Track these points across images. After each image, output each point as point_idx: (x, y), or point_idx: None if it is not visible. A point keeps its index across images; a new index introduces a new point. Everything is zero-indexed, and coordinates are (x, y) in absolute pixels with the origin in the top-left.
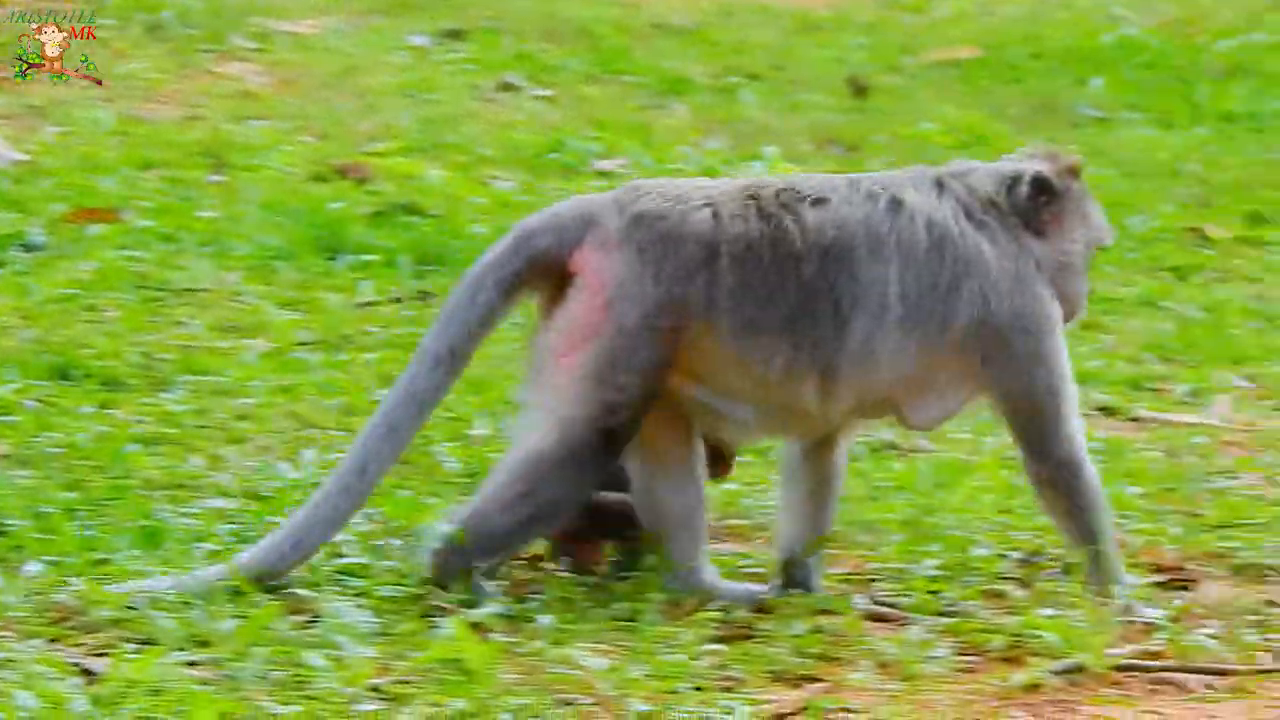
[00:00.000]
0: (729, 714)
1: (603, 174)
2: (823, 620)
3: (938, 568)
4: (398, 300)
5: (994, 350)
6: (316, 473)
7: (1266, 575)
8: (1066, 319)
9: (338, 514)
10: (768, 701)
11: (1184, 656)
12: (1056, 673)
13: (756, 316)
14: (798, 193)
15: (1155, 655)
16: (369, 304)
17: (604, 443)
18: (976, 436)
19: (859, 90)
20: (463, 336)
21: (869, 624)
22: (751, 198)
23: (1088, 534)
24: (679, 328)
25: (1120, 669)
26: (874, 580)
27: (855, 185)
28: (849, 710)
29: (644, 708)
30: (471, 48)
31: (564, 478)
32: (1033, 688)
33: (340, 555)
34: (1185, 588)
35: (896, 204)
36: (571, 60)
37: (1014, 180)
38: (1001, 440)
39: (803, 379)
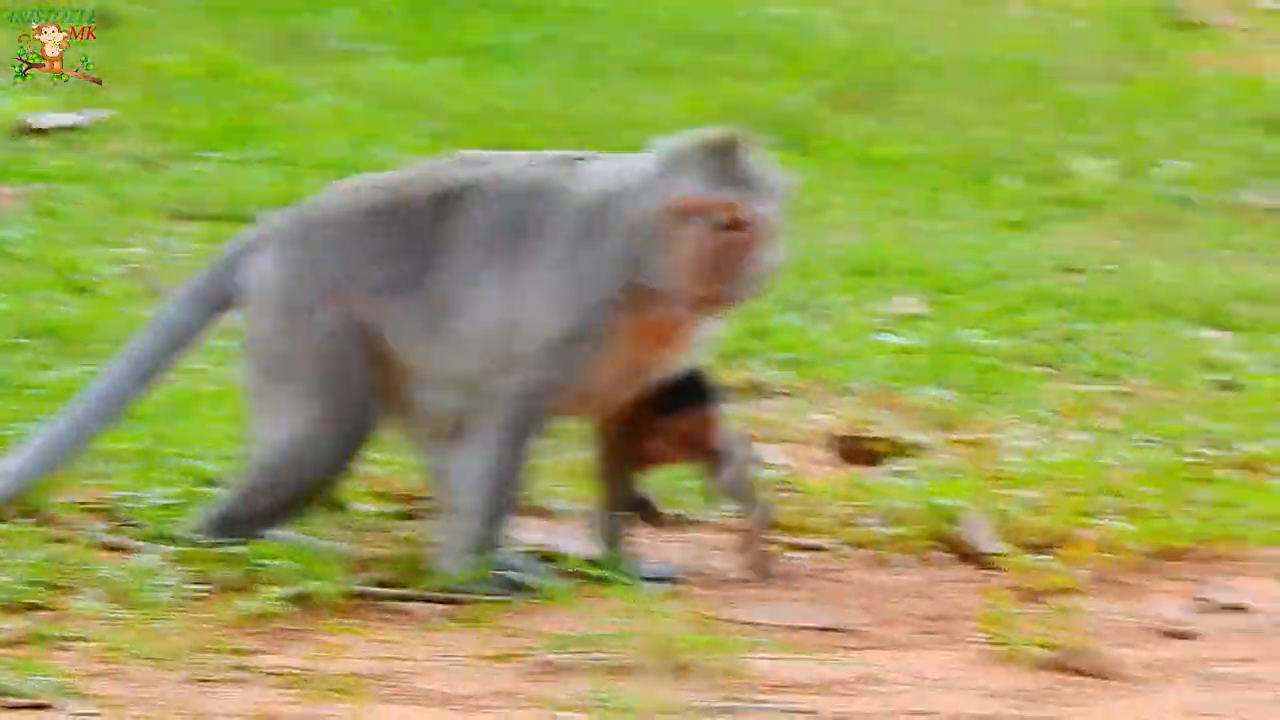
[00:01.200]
0: None
1: None
2: (53, 549)
3: (169, 496)
4: None
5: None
6: None
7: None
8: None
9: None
10: None
11: (417, 585)
12: (288, 600)
13: (389, 280)
14: (476, 158)
15: (389, 584)
16: None
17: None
18: (211, 367)
19: (106, 21)
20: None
21: (101, 553)
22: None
23: (474, 500)
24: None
25: (352, 596)
26: (109, 509)
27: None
28: (78, 639)
29: None
30: None
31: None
32: (264, 616)
33: None
34: (411, 517)
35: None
36: None
37: None
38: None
39: (428, 340)
